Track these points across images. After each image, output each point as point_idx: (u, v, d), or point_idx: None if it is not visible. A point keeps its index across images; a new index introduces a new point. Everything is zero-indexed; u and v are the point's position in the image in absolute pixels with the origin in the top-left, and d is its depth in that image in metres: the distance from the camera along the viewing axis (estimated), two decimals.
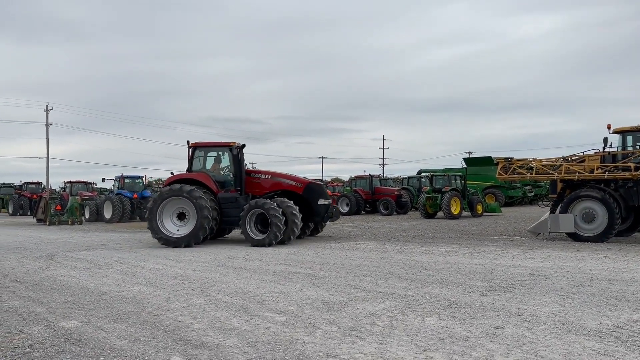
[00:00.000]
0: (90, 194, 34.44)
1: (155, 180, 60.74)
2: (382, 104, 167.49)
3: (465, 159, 44.64)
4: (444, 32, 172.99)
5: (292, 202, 14.89)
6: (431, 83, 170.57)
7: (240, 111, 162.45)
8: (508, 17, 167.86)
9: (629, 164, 14.28)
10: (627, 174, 14.08)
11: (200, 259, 12.01)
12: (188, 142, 16.18)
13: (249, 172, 16.21)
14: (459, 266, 10.16)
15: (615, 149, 15.41)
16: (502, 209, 33.60)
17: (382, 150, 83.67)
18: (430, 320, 5.95)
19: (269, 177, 15.89)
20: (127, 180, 31.64)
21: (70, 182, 37.81)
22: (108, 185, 36.17)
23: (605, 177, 14.44)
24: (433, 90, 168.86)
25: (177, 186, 15.00)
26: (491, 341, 5.09)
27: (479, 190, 33.89)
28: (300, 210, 15.03)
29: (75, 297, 7.70)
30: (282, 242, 14.60)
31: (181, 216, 15.07)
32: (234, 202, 15.12)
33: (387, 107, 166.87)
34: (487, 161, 39.47)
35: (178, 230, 14.94)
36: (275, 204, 14.46)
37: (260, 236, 14.48)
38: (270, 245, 14.15)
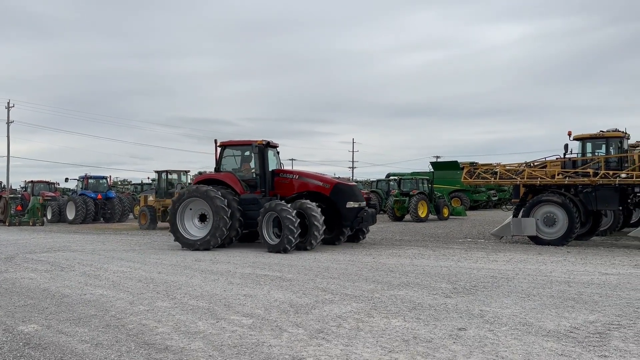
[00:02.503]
0: (53, 194, 33.51)
1: (120, 181, 59.46)
2: (353, 108, 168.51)
3: (432, 163, 45.54)
4: (414, 39, 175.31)
5: (314, 204, 13.73)
6: (401, 88, 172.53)
7: (210, 112, 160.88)
8: (477, 26, 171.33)
9: (588, 170, 14.77)
10: (586, 180, 14.54)
11: (165, 261, 11.85)
12: (216, 141, 15.41)
13: (278, 172, 15.13)
14: (424, 268, 10.32)
15: (575, 155, 15.91)
16: (467, 212, 34.22)
17: (352, 153, 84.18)
18: (396, 322, 6.03)
19: (297, 177, 14.83)
20: (91, 181, 30.97)
21: (31, 181, 36.65)
22: (71, 185, 35.31)
23: (566, 182, 14.89)
24: (403, 95, 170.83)
25: (195, 186, 14.51)
26: (454, 342, 5.19)
27: (445, 194, 34.43)
28: (330, 213, 14.14)
29: (35, 300, 7.50)
30: (303, 248, 13.54)
31: (203, 218, 14.49)
32: (255, 204, 14.14)
33: (357, 111, 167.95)
34: (453, 166, 40.34)
35: (199, 232, 14.39)
36: (289, 206, 13.32)
37: (276, 241, 13.39)
38: (282, 251, 13.03)
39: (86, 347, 5.20)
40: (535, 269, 10.18)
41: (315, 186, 14.52)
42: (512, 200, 21.02)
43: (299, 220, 13.21)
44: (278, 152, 15.81)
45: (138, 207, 28.07)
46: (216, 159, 15.41)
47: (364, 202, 14.87)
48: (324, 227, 13.68)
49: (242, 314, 6.48)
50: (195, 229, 14.54)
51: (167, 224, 24.26)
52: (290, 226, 12.97)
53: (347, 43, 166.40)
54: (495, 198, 42.27)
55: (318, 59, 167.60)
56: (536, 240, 15.09)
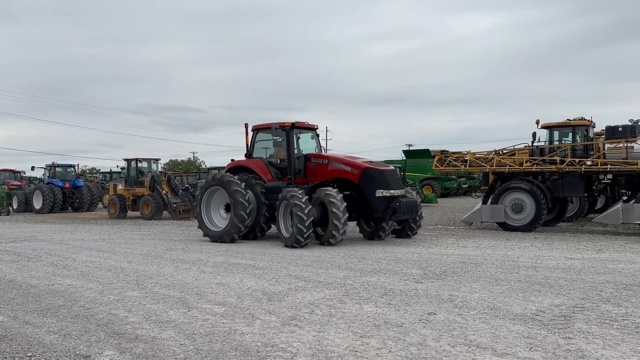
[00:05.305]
0: (19, 183, 32.70)
1: (89, 170, 58.24)
2: (326, 96, 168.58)
3: (404, 151, 45.90)
4: (387, 28, 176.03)
5: (336, 191, 12.05)
6: (374, 76, 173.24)
7: (180, 99, 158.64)
8: (450, 15, 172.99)
9: (555, 157, 15.12)
10: (553, 167, 14.89)
11: (136, 250, 11.70)
12: (246, 125, 14.29)
13: (309, 157, 13.61)
14: (396, 255, 10.44)
15: (543, 143, 16.26)
16: (438, 199, 34.70)
17: (325, 141, 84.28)
18: (367, 307, 6.10)
19: (327, 162, 13.26)
20: (58, 169, 30.27)
21: None
22: (38, 174, 34.47)
23: (534, 169, 15.22)
24: (375, 83, 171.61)
25: (220, 175, 13.58)
26: (424, 327, 5.28)
27: (417, 182, 34.83)
28: (361, 203, 12.61)
29: (0, 291, 7.33)
30: (322, 244, 12.14)
31: (229, 208, 13.32)
32: (277, 192, 12.77)
33: (331, 99, 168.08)
34: (425, 153, 40.79)
35: (223, 222, 13.44)
36: (301, 193, 11.87)
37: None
38: (293, 246, 11.65)
39: (54, 337, 5.11)
40: (503, 255, 10.40)
41: (343, 172, 12.87)
42: (482, 187, 21.39)
43: (312, 209, 11.82)
44: (318, 135, 14.49)
45: (107, 196, 27.61)
46: (247, 144, 14.32)
47: (400, 190, 12.67)
48: (347, 219, 11.98)
49: (214, 303, 6.46)
50: (220, 219, 13.67)
51: (137, 213, 24.05)
52: (299, 217, 11.49)
53: (319, 31, 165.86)
54: (466, 185, 42.93)
55: (290, 47, 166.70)
56: (504, 227, 15.40)
